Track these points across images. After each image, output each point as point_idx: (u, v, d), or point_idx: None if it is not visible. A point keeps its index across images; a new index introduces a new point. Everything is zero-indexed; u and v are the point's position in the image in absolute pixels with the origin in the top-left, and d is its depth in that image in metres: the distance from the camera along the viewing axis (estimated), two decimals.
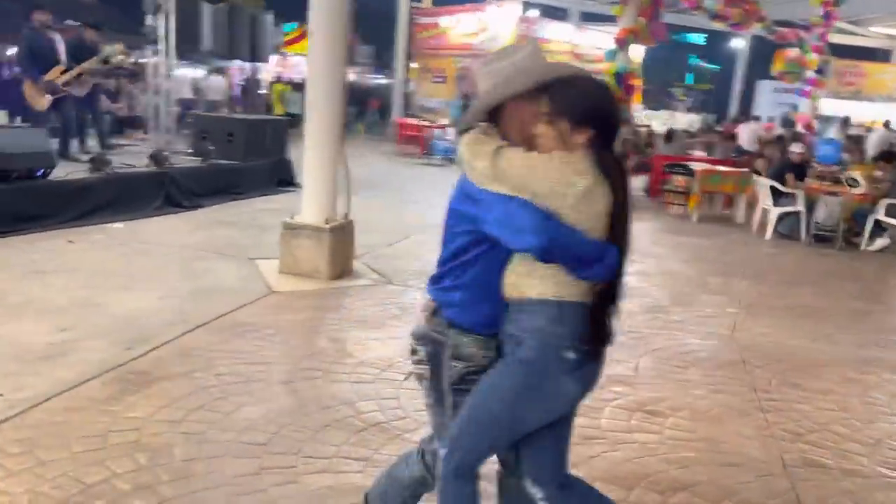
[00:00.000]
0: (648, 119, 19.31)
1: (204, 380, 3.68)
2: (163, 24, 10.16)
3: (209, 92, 17.01)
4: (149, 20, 10.22)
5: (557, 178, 1.81)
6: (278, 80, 24.68)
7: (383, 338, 4.53)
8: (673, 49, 48.14)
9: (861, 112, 22.28)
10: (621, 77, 12.76)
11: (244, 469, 2.90)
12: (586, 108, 1.87)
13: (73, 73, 8.16)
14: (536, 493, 2.07)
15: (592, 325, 1.91)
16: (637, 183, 12.67)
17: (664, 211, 10.88)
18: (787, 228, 9.42)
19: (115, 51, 8.48)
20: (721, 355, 4.73)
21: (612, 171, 1.86)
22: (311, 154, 5.87)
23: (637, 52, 19.90)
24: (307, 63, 5.90)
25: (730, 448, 3.42)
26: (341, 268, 5.95)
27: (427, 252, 6.66)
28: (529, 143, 1.89)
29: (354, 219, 6.11)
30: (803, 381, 4.36)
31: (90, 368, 3.72)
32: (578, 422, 2.19)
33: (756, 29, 15.94)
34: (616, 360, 4.24)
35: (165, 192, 8.37)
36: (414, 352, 2.13)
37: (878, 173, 9.47)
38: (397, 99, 21.28)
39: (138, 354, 3.96)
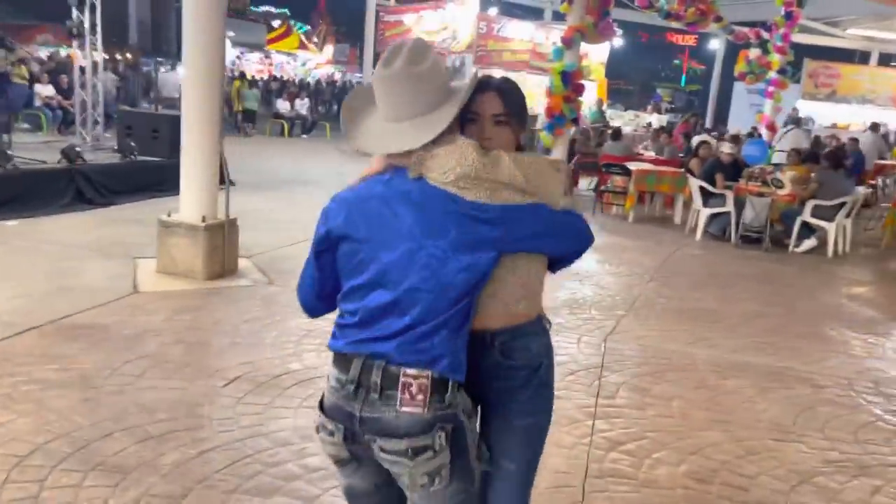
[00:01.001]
0: (611, 118, 19.17)
1: None
2: (88, 17, 10.00)
3: (164, 88, 16.79)
4: (74, 14, 10.06)
5: (558, 179, 1.72)
6: (241, 76, 24.48)
7: (227, 344, 4.37)
8: (662, 49, 48.21)
9: (837, 114, 22.26)
10: (568, 76, 12.57)
11: None
12: (524, 107, 1.83)
13: None
14: None
15: None
16: (584, 183, 12.60)
17: (605, 212, 10.76)
18: (718, 229, 9.29)
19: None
20: (581, 360, 4.58)
21: None
22: (187, 150, 5.71)
23: (601, 52, 19.82)
24: (183, 56, 5.72)
25: None
26: (221, 267, 5.78)
27: None
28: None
29: (264, 217, 5.94)
30: (654, 387, 4.21)
31: None
32: None
33: (713, 29, 15.79)
34: None
35: (76, 188, 8.20)
36: (423, 449, 1.61)
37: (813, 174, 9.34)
38: None
39: None
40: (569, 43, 12.89)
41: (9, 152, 7.78)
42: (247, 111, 18.59)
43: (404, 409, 1.59)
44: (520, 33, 18.21)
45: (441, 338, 1.60)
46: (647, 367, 4.54)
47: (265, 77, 37.66)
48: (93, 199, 8.31)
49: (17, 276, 5.31)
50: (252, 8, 42.43)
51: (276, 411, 3.52)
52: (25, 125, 12.57)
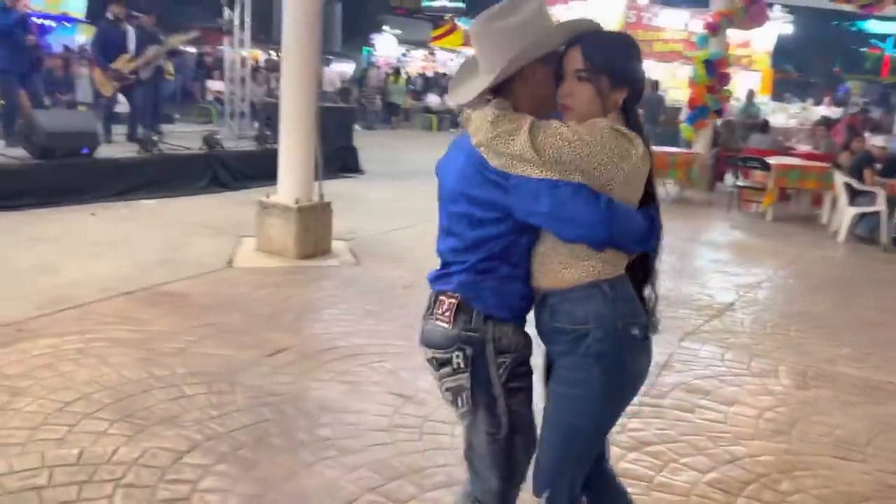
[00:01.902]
0: (773, 111, 17.76)
1: (68, 343, 3.90)
2: (238, 14, 10.78)
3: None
4: (226, 12, 10.89)
5: (611, 150, 1.64)
6: (395, 72, 25.27)
7: (290, 318, 4.57)
8: (846, 37, 43.96)
9: None
10: (712, 65, 11.85)
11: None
12: (625, 63, 1.73)
13: (140, 61, 8.86)
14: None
15: (639, 295, 1.84)
16: (730, 179, 11.80)
17: (745, 209, 10.06)
18: (866, 230, 8.38)
19: (178, 40, 9.10)
20: None
21: (645, 137, 1.74)
22: (284, 136, 6.01)
23: (767, 40, 18.46)
24: (282, 47, 6.03)
25: None
26: (313, 247, 6.04)
27: (426, 239, 6.67)
28: (547, 112, 1.76)
29: (381, 204, 6.17)
30: (715, 391, 3.89)
31: None
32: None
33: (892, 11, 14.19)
34: None
35: (213, 172, 8.89)
36: (444, 363, 1.81)
37: None
38: None
39: (44, 314, 4.27)
40: (714, 29, 12.15)
41: (154, 139, 8.57)
42: (391, 104, 19.24)
43: (436, 322, 1.82)
44: (673, 22, 17.39)
45: (470, 277, 1.79)
46: (716, 370, 4.20)
47: (427, 73, 38.52)
48: (227, 183, 8.97)
49: (133, 248, 5.86)
50: (426, 3, 43.40)
51: (307, 383, 3.64)
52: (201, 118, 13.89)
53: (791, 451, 3.32)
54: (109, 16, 8.90)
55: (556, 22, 1.77)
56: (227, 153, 9.20)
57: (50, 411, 3.16)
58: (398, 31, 40.91)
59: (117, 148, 8.63)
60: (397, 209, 8.38)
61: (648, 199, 1.80)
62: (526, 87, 1.76)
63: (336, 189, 7.03)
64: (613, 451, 3.12)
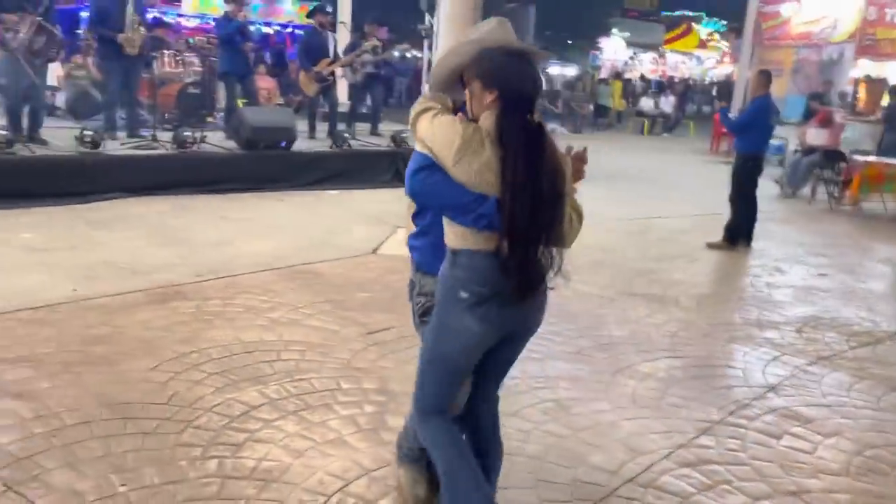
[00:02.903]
0: None
1: (210, 306, 4.51)
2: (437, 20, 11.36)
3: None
4: (427, 19, 11.52)
5: (441, 137, 2.07)
6: (616, 76, 24.80)
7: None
8: None
9: None
10: None
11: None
12: (492, 71, 2.09)
13: (336, 65, 9.74)
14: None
15: (495, 272, 2.10)
16: None
17: None
18: None
19: (368, 47, 9.85)
20: (749, 378, 4.01)
21: (511, 133, 2.04)
22: None
23: None
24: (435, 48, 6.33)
25: None
26: None
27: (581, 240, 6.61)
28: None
29: None
30: (821, 422, 3.52)
31: (157, 283, 4.82)
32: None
33: None
34: None
35: (396, 168, 9.50)
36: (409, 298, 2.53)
37: None
38: (738, 93, 19.83)
39: (201, 279, 4.97)
40: None
41: (346, 135, 9.37)
42: (601, 107, 18.98)
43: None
44: None
45: (416, 242, 2.46)
46: (833, 399, 3.80)
47: (657, 77, 37.21)
48: None
49: (299, 231, 6.54)
50: (665, 13, 41.90)
51: (386, 363, 3.88)
52: None
53: (878, 493, 2.95)
54: (315, 24, 9.88)
55: (475, 40, 2.23)
56: (412, 150, 9.76)
57: (166, 359, 3.71)
58: (626, 34, 40.08)
59: (316, 143, 9.57)
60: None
61: (502, 190, 2.05)
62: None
63: None
64: (660, 464, 3.02)
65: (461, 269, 2.15)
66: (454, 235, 2.17)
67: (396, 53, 17.36)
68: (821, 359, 4.37)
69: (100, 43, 8.49)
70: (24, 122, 7.67)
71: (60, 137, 7.82)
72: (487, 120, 2.09)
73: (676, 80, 33.55)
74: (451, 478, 2.28)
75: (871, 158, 10.16)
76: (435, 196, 2.15)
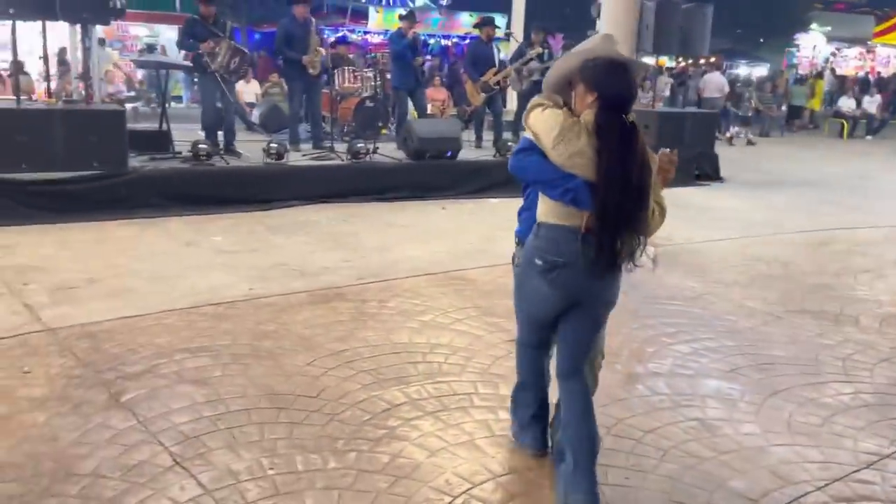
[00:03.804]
0: None
1: (367, 307, 4.78)
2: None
3: (706, 89, 17.19)
4: (597, 24, 11.40)
5: (544, 125, 2.50)
6: (817, 74, 22.99)
7: None
8: None
9: None
10: None
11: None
12: (595, 76, 2.49)
13: (501, 75, 9.89)
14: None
15: (571, 245, 2.47)
16: None
17: None
18: None
19: (534, 54, 9.90)
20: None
21: (606, 127, 2.40)
22: None
23: None
24: None
25: None
26: None
27: (743, 252, 6.29)
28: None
29: (714, 213, 6.22)
30: None
31: (321, 285, 5.19)
32: None
33: None
34: None
35: None
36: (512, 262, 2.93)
37: None
38: None
39: (361, 282, 5.28)
40: None
41: (510, 144, 9.46)
42: (794, 108, 17.70)
43: None
44: None
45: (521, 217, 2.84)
46: None
47: (861, 74, 34.09)
48: None
49: (458, 238, 6.74)
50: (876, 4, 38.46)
51: (509, 361, 3.89)
52: None
53: None
54: (482, 36, 10.10)
55: (584, 51, 2.58)
56: None
57: (322, 355, 3.99)
58: (828, 28, 36.96)
59: (481, 152, 9.78)
60: (731, 219, 7.96)
61: (598, 175, 2.40)
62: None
63: (681, 196, 7.02)
64: (812, 496, 2.81)
65: (542, 240, 2.55)
66: (543, 209, 2.55)
67: None
68: None
69: (286, 64, 9.27)
70: (220, 137, 8.54)
71: (252, 150, 8.60)
72: (588, 116, 2.45)
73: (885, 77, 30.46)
74: (520, 388, 3.03)
75: None
76: (530, 171, 2.56)
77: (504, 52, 11.42)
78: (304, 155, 8.78)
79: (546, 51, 10.13)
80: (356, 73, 11.56)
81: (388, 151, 9.06)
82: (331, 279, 5.35)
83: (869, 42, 37.50)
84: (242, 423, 3.24)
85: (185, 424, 3.21)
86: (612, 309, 2.72)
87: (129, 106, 12.36)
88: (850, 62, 37.68)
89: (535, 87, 10.53)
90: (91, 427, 3.15)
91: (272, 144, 8.18)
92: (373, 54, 14.04)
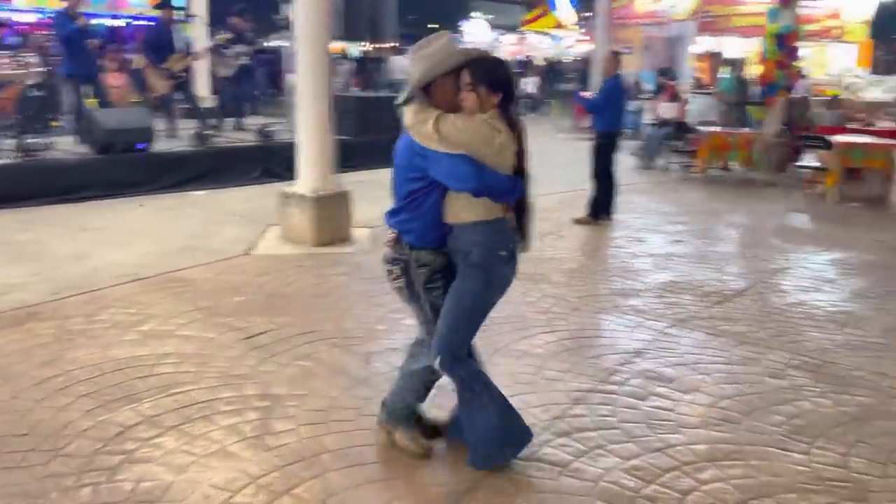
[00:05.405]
0: (872, 85, 16.59)
1: (71, 324, 4.28)
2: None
3: (392, 72, 17.98)
4: (282, 9, 11.30)
5: (484, 135, 2.58)
6: None
7: (282, 304, 4.80)
8: None
9: None
10: (782, 39, 11.24)
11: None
12: (497, 77, 2.64)
13: (190, 60, 9.37)
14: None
15: (512, 232, 2.78)
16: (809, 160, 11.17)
17: (805, 190, 9.54)
18: None
19: (222, 40, 9.55)
20: (618, 345, 4.27)
21: (515, 124, 2.67)
22: (300, 130, 6.24)
23: (863, 9, 17.27)
24: (295, 37, 6.24)
25: None
26: (330, 236, 6.26)
27: None
28: (454, 108, 2.62)
29: None
30: (682, 378, 3.81)
31: (8, 305, 4.52)
32: None
33: None
34: None
35: (264, 164, 9.28)
36: (390, 273, 2.89)
37: None
38: (596, 73, 20.66)
39: (58, 297, 4.70)
40: (787, 1, 11.50)
41: (208, 133, 9.05)
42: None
43: (385, 246, 2.90)
44: None
45: (403, 217, 2.78)
46: (691, 358, 4.11)
47: (519, 58, 37.94)
48: (280, 174, 9.29)
49: (163, 236, 6.28)
50: None
51: (266, 367, 3.83)
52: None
53: (731, 440, 3.23)
54: (163, 18, 9.47)
55: (456, 50, 2.64)
56: (280, 144, 9.55)
57: (25, 387, 3.50)
58: (490, 16, 40.76)
59: (177, 142, 9.18)
60: None
61: (520, 169, 2.71)
62: (437, 93, 2.64)
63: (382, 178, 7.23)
64: (540, 437, 3.15)
65: (498, 233, 2.73)
66: (483, 209, 2.68)
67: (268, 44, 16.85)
68: (679, 321, 4.71)
69: None
70: None
71: None
72: (494, 115, 2.60)
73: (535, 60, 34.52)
74: (503, 402, 2.95)
75: (716, 129, 10.94)
76: (495, 184, 2.64)
77: (188, 34, 10.79)
78: None
79: (234, 36, 9.79)
80: (14, 59, 10.07)
81: (66, 146, 8.08)
82: (19, 297, 4.68)
83: (520, 29, 42.28)
84: None
85: None
86: None
87: None
88: (508, 47, 42.09)
89: (242, 73, 10.14)
90: None
91: None
92: (21, 36, 12.28)
